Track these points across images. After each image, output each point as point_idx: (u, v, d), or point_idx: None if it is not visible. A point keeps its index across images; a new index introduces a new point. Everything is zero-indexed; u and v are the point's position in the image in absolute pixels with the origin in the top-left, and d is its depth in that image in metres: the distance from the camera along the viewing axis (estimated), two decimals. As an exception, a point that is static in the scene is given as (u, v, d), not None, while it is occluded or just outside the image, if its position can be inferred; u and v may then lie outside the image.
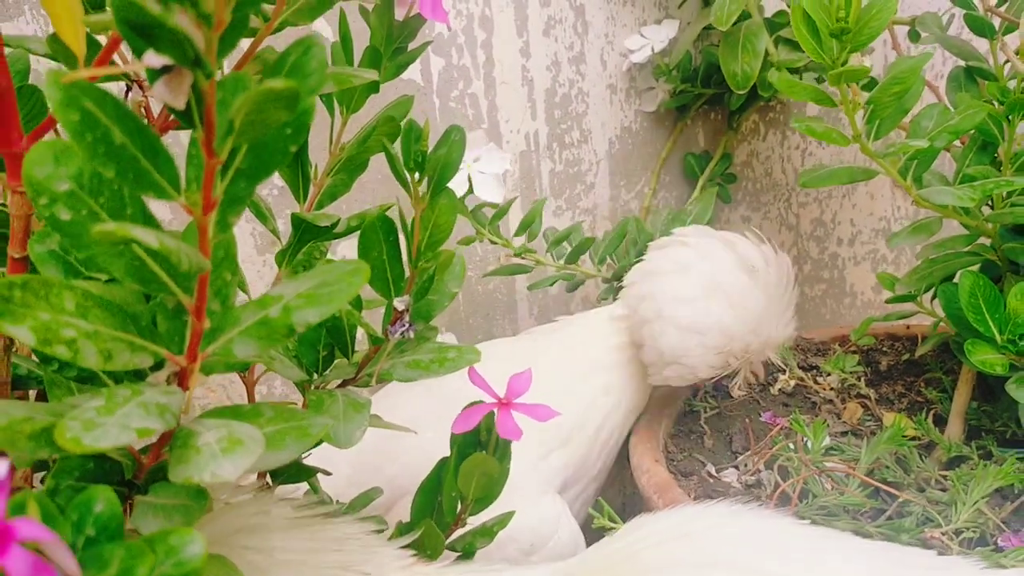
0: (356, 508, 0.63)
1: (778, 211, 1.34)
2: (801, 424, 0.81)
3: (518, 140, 1.14)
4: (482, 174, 0.85)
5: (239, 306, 0.40)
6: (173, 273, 0.36)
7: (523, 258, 1.00)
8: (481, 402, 0.51)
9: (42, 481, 0.49)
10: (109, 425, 0.33)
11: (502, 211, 0.96)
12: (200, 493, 0.41)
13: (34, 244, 0.43)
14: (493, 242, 0.96)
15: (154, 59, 0.30)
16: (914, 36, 0.95)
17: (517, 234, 1.00)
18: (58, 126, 0.44)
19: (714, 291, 0.84)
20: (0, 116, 0.38)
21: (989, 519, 0.75)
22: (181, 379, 0.40)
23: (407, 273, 0.52)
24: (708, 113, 1.27)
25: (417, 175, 0.51)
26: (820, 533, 0.55)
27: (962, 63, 0.86)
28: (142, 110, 0.54)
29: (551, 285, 1.01)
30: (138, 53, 0.30)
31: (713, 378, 0.89)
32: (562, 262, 1.02)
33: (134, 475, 0.43)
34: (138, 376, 0.40)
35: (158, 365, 0.39)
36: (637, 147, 1.23)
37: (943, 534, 0.69)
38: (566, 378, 0.88)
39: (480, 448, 0.52)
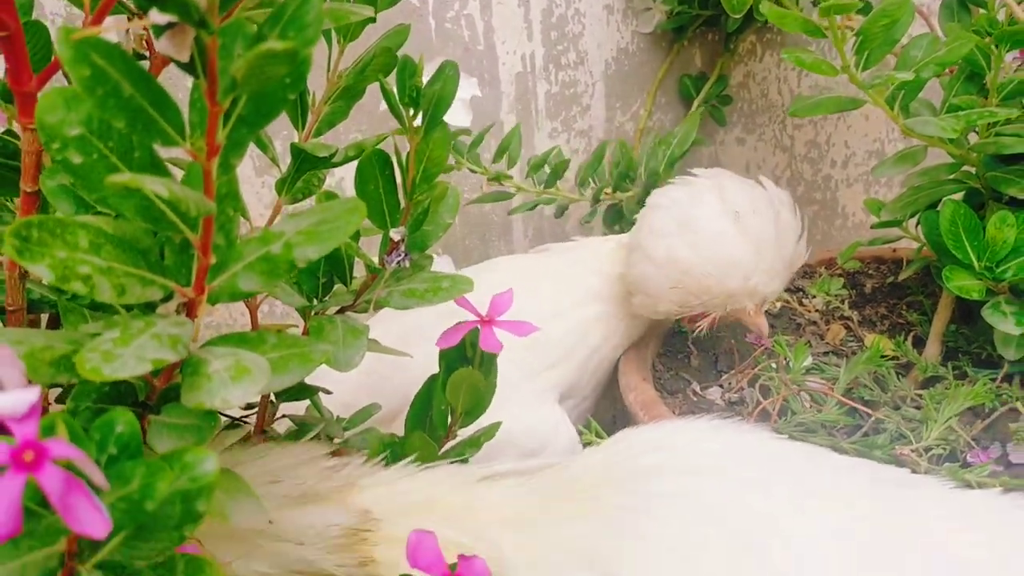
0: (356, 423, 0.67)
1: (773, 133, 1.35)
2: (783, 345, 0.84)
3: (514, 61, 1.14)
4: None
5: (243, 241, 0.42)
6: (180, 214, 0.38)
7: (501, 184, 1.01)
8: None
9: (57, 401, 0.53)
10: (126, 356, 0.36)
11: (479, 137, 0.98)
12: (210, 414, 0.44)
13: (45, 179, 0.45)
14: (472, 170, 0.98)
15: (159, 17, 0.32)
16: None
17: (496, 159, 1.02)
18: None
19: (685, 229, 0.85)
20: (10, 57, 0.40)
21: (960, 436, 0.79)
22: (189, 310, 0.42)
23: (403, 205, 0.54)
24: (705, 34, 1.27)
25: (412, 110, 0.53)
26: (796, 447, 0.59)
27: (956, -9, 0.86)
28: (144, 42, 0.55)
29: (531, 210, 1.03)
30: (144, 10, 0.32)
31: (679, 316, 0.90)
32: (542, 186, 1.04)
33: (147, 397, 0.46)
34: (149, 308, 0.42)
35: (167, 297, 0.42)
36: (633, 69, 1.23)
37: (913, 451, 0.72)
38: (563, 303, 0.91)
39: (466, 363, 0.55)
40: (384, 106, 0.54)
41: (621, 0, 1.19)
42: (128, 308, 0.46)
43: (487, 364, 0.56)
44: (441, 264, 1.06)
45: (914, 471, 0.68)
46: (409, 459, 0.56)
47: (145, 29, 0.55)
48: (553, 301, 0.91)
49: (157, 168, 0.39)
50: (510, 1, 1.11)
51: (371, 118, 1.07)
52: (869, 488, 0.52)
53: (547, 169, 1.05)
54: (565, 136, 1.22)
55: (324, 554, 0.48)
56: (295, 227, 0.41)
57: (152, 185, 0.32)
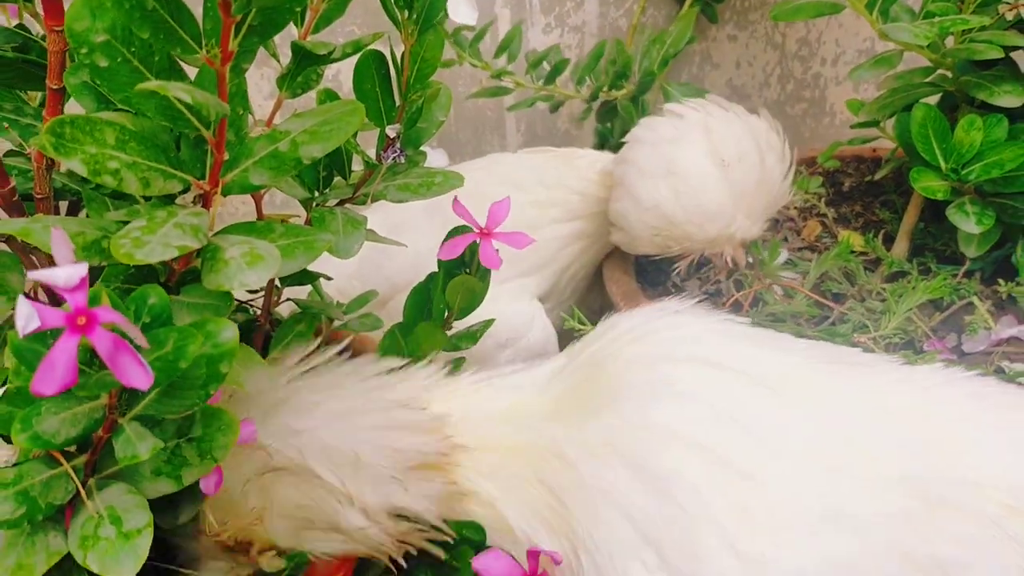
0: (354, 309, 0.72)
1: (765, 30, 1.36)
2: (756, 243, 0.89)
3: (509, -45, 1.15)
4: (455, -3, 0.88)
5: (252, 139, 0.46)
6: (199, 115, 0.42)
7: (502, 80, 1.04)
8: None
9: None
10: (154, 243, 0.41)
11: (480, 33, 0.99)
12: (226, 294, 0.49)
13: (69, 76, 0.49)
14: (474, 65, 1.00)
15: (178, -65, 0.35)
16: None
17: (496, 56, 1.04)
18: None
19: (669, 173, 0.84)
20: (36, -34, 0.43)
21: (919, 327, 0.85)
22: (205, 201, 0.47)
23: (398, 103, 0.58)
24: (701, -72, 1.27)
25: (407, 12, 0.56)
26: (764, 332, 0.64)
27: None
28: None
29: (530, 106, 1.06)
30: (163, -72, 0.36)
31: (656, 256, 0.91)
32: (541, 83, 1.06)
33: (168, 279, 0.51)
34: (167, 199, 0.47)
35: (184, 189, 0.46)
36: (628, -37, 1.24)
37: (870, 339, 0.78)
38: (541, 219, 0.92)
39: (464, 267, 0.60)
40: None
41: None
42: (147, 199, 0.51)
43: (483, 271, 0.61)
44: (435, 157, 1.10)
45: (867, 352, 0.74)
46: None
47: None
48: (531, 215, 0.92)
49: (175, 71, 0.43)
50: None
51: (367, 12, 1.09)
52: (826, 365, 0.58)
53: (547, 66, 1.07)
54: (558, 31, 1.23)
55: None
56: (300, 126, 0.45)
57: (176, 92, 0.37)
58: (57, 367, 0.34)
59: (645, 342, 0.59)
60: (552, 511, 0.53)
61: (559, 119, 1.29)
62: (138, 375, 0.34)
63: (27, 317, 0.33)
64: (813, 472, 0.49)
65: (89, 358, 0.38)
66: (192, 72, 0.46)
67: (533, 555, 0.50)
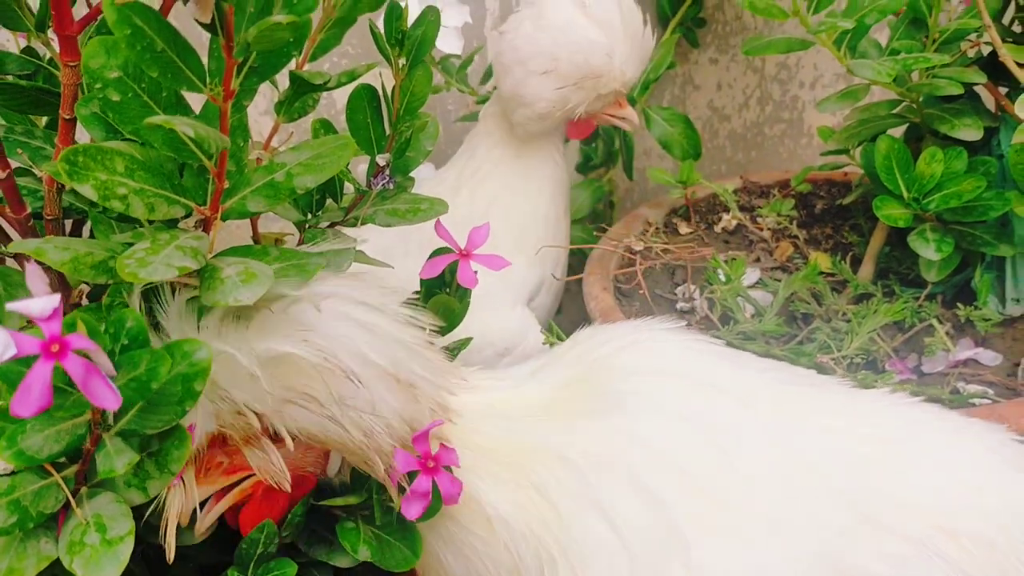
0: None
1: (745, 54, 1.40)
2: (718, 260, 0.93)
3: (498, -20, 1.19)
4: (444, 27, 0.92)
5: (251, 169, 0.50)
6: (202, 148, 0.46)
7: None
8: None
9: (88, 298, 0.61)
10: (157, 263, 0.44)
11: (467, 61, 1.04)
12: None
13: (79, 107, 0.52)
14: (460, 90, 1.04)
15: (188, -11, 0.39)
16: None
17: (483, 82, 1.08)
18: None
19: (537, 21, 0.91)
20: (56, 6, 0.47)
21: (881, 347, 0.89)
22: (206, 225, 0.50)
23: (388, 133, 0.62)
24: (684, -44, 1.31)
25: (398, 50, 0.60)
26: (735, 352, 0.69)
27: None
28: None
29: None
30: (176, -17, 0.39)
31: (560, 117, 0.95)
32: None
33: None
34: (171, 223, 0.50)
35: (187, 214, 0.50)
36: (613, -12, 1.28)
37: (833, 359, 0.82)
38: (497, 185, 0.98)
39: (444, 287, 0.64)
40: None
41: (604, -79, 1.23)
42: (150, 222, 0.54)
43: (462, 291, 0.64)
44: (423, 170, 1.13)
45: (830, 375, 0.78)
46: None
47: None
48: (482, 191, 0.98)
49: (181, 105, 0.47)
50: (496, -79, 1.15)
51: (361, 36, 1.12)
52: (781, 384, 0.62)
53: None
54: (545, 53, 1.27)
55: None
56: (295, 159, 0.49)
57: (182, 127, 0.40)
58: (33, 391, 0.37)
59: (634, 352, 0.63)
60: (540, 515, 0.57)
61: (544, 137, 1.33)
62: (107, 397, 0.38)
63: (4, 345, 0.37)
64: (763, 485, 0.53)
65: (69, 379, 0.41)
66: (196, 99, 0.49)
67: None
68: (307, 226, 0.62)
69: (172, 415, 0.46)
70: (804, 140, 1.50)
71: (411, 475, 0.55)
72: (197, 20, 0.41)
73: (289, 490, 0.57)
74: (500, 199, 0.98)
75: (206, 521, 0.57)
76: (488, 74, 1.09)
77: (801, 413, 0.58)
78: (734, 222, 1.09)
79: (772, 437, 0.57)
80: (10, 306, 0.37)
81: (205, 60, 0.47)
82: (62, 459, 0.47)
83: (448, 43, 0.94)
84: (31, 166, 0.59)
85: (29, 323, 0.51)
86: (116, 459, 0.46)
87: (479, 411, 0.61)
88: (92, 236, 0.58)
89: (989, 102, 0.91)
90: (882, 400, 0.61)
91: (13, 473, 0.46)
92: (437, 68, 1.05)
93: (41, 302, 0.38)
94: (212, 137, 0.43)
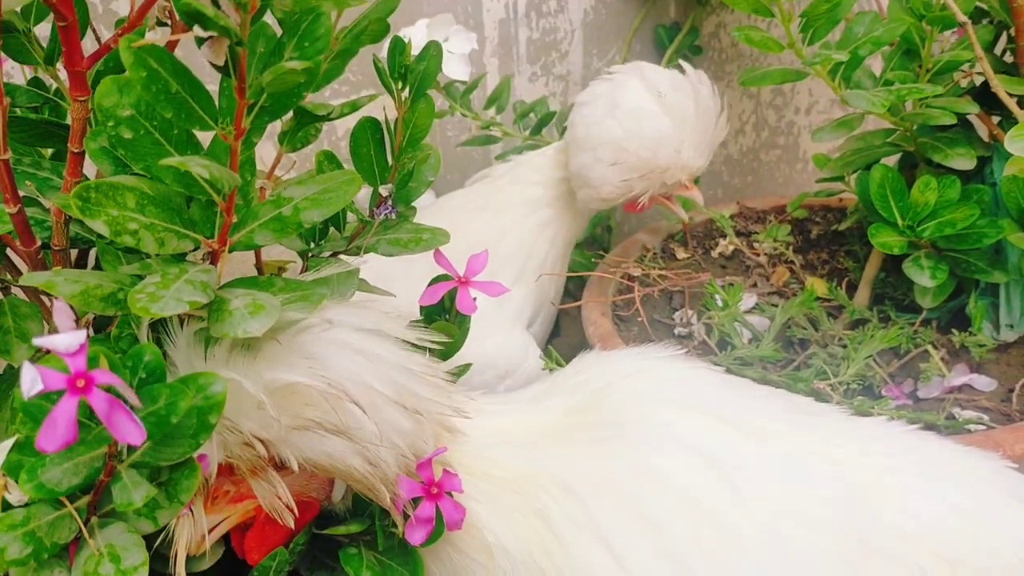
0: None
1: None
2: (715, 286, 0.94)
3: (498, 8, 1.21)
4: (451, 53, 0.94)
5: (258, 204, 0.51)
6: (212, 185, 0.47)
7: (491, 130, 1.09)
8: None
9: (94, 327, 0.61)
10: (168, 297, 0.45)
11: (471, 87, 1.05)
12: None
13: (89, 141, 0.53)
14: (464, 115, 1.06)
15: (202, 32, 0.40)
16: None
17: (486, 107, 1.09)
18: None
19: (614, 111, 0.93)
20: (67, 43, 0.48)
21: (877, 373, 0.90)
22: (213, 258, 0.51)
23: (391, 164, 0.63)
24: (680, -15, 1.33)
25: (401, 84, 0.61)
26: (735, 380, 0.69)
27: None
28: (166, 13, 0.63)
29: (517, 155, 1.11)
30: (189, 26, 0.40)
31: (622, 200, 0.97)
32: (528, 133, 1.12)
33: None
34: (179, 255, 0.51)
35: (195, 248, 0.51)
36: (611, 17, 1.30)
37: (829, 385, 0.83)
38: (505, 222, 0.99)
39: (444, 314, 0.65)
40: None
41: (601, -49, 1.25)
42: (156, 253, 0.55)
43: (461, 318, 0.65)
44: (424, 198, 1.15)
45: (826, 401, 0.78)
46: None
47: (167, 1, 0.62)
48: (497, 224, 0.98)
49: (192, 143, 0.48)
50: (495, -50, 1.17)
51: (363, 62, 1.13)
52: (782, 413, 0.63)
53: (534, 117, 1.13)
54: (544, 80, 1.29)
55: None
56: (303, 193, 0.50)
57: (196, 168, 0.41)
58: (59, 426, 0.38)
59: (637, 381, 0.64)
60: (541, 542, 0.57)
61: (542, 163, 1.34)
62: (132, 432, 0.39)
63: (31, 381, 0.37)
64: (767, 514, 0.54)
65: (90, 413, 0.42)
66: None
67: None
68: (310, 255, 0.63)
69: (187, 448, 0.47)
70: (800, 165, 1.52)
71: (415, 500, 0.56)
72: (210, 62, 0.42)
73: (292, 524, 0.57)
74: (514, 233, 0.99)
75: (209, 540, 0.58)
76: (492, 99, 1.11)
77: (804, 443, 0.59)
78: (731, 247, 1.10)
79: (775, 467, 0.58)
80: (37, 341, 0.38)
81: (210, 86, 0.48)
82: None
83: (455, 69, 0.95)
84: (38, 196, 0.60)
85: (39, 353, 0.52)
86: (133, 492, 0.46)
87: (482, 437, 0.62)
88: (98, 265, 0.59)
89: (982, 131, 0.93)
90: (880, 428, 0.62)
91: (27, 504, 0.47)
92: (441, 93, 1.06)
93: (67, 338, 0.38)
94: (225, 177, 0.44)
